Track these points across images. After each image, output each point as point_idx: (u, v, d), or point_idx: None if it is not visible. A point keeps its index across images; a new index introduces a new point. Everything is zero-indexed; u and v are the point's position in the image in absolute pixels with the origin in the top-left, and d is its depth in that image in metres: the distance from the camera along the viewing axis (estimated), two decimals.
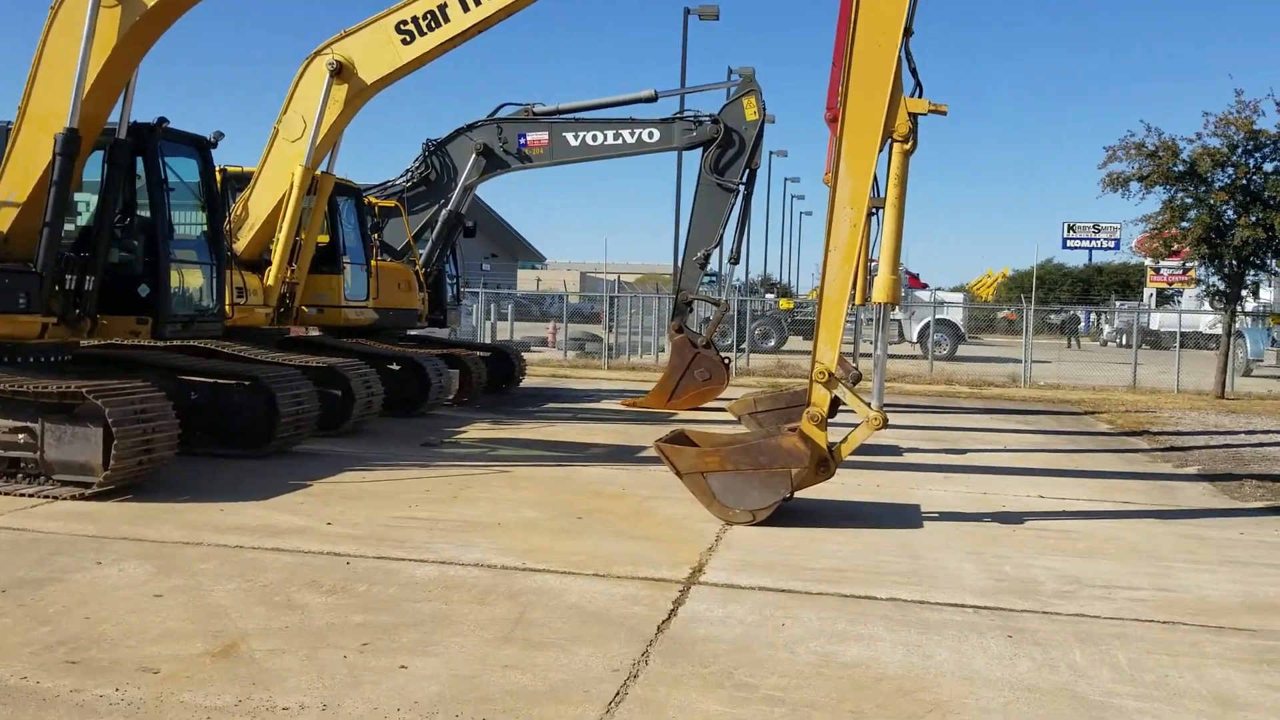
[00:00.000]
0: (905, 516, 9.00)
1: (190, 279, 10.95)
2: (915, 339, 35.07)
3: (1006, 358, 31.70)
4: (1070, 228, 75.83)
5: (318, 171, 14.02)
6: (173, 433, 8.80)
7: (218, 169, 14.55)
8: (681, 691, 4.69)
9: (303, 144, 13.48)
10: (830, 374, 8.59)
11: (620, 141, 17.13)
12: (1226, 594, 6.76)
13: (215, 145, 11.21)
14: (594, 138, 17.18)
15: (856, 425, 8.47)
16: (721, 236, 17.13)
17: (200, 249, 11.36)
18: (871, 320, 35.92)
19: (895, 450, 13.28)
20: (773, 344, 35.71)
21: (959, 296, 38.43)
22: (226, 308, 11.79)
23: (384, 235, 17.47)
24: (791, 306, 33.81)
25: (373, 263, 15.80)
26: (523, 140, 17.36)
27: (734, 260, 17.27)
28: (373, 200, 17.13)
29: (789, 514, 8.64)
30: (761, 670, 5.01)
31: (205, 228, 11.44)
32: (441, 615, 5.65)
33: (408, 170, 17.62)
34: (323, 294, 14.47)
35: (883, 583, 6.69)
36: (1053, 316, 59.36)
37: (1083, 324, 65.78)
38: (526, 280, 76.64)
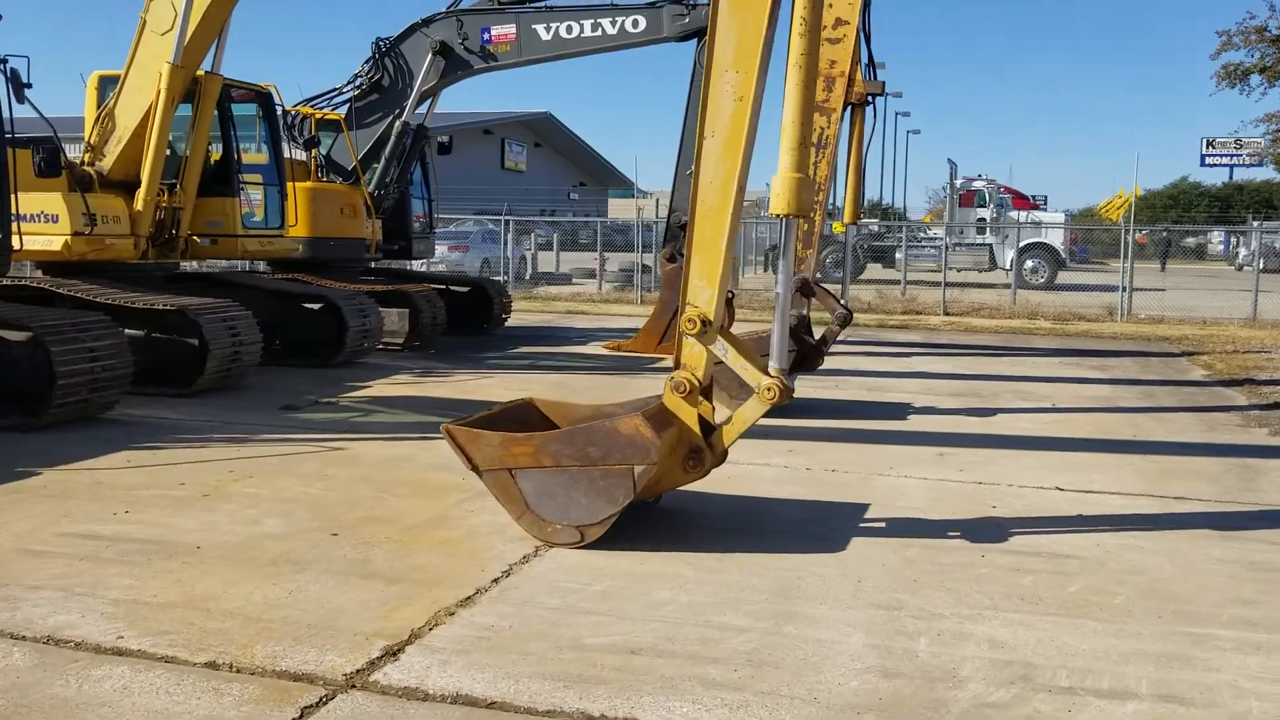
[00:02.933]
0: (830, 527, 6.22)
1: None
2: (1009, 265, 31.30)
3: (1115, 286, 27.87)
4: (1209, 144, 70.04)
5: (201, 71, 11.61)
6: None
7: (98, 74, 12.30)
8: None
9: (173, 36, 11.06)
10: (706, 321, 5.84)
11: (600, 33, 14.30)
12: None
13: None
14: (569, 29, 14.39)
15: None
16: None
17: None
18: (954, 245, 32.32)
19: (901, 411, 10.39)
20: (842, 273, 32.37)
21: (1059, 216, 34.22)
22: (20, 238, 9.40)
23: (332, 153, 15.05)
24: (843, 229, 30.30)
25: (294, 184, 13.39)
26: (486, 35, 14.66)
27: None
28: (308, 112, 14.67)
29: (657, 519, 6.02)
30: None
31: None
32: None
33: (356, 76, 15.09)
34: (217, 220, 12.10)
35: (680, 682, 4.00)
36: (1189, 239, 54.61)
37: (1221, 247, 60.06)
38: (620, 209, 73.54)
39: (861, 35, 10.04)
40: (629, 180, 75.81)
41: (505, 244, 25.98)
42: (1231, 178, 73.54)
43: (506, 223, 25.56)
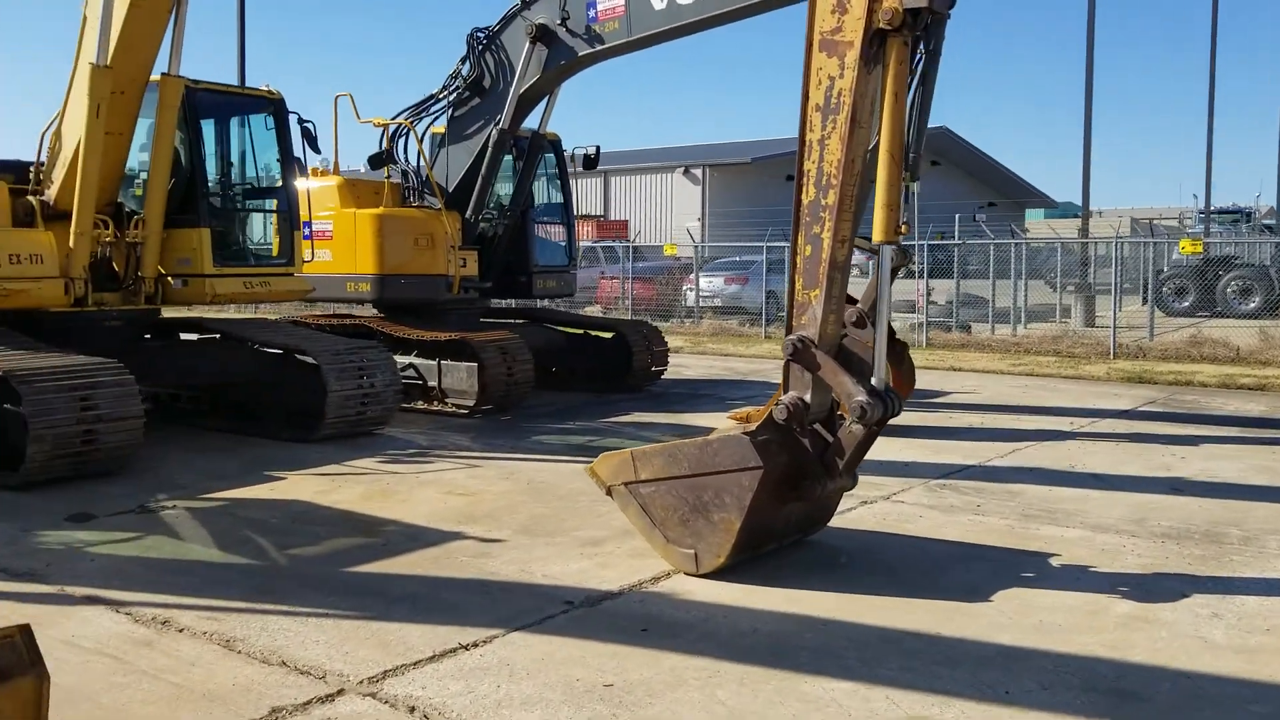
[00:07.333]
0: None
1: None
2: None
3: None
4: None
5: (157, 75, 9.42)
6: None
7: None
8: None
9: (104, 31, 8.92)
10: None
11: None
12: None
13: None
14: None
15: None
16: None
17: None
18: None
19: (1001, 578, 5.84)
20: (1254, 305, 25.11)
21: None
22: None
23: (436, 170, 12.42)
24: (1198, 249, 22.73)
25: (355, 212, 10.83)
26: (592, 12, 11.37)
27: (910, 175, 9.74)
28: (380, 123, 12.13)
29: None
30: None
31: None
32: None
33: (453, 77, 12.35)
34: (186, 257, 9.82)
35: None
36: None
37: None
38: (1043, 230, 65.37)
39: None
40: (1047, 197, 68.00)
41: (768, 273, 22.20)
42: None
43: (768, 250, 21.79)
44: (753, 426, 5.85)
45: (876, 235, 5.59)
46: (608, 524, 6.71)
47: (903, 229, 5.80)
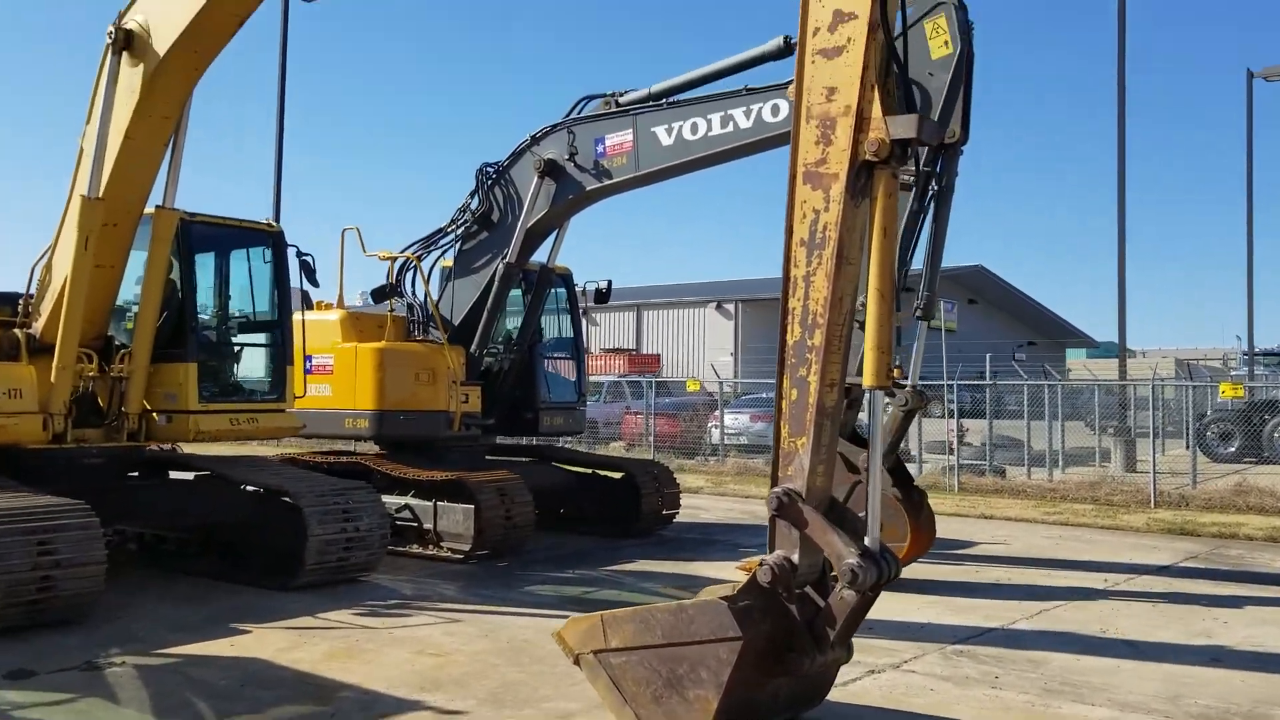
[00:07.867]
0: None
1: None
2: None
3: None
4: None
5: (152, 208, 9.27)
6: None
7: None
8: None
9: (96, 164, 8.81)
10: None
11: (730, 129, 10.39)
12: None
13: None
14: (693, 128, 10.63)
15: None
16: (904, 267, 9.39)
17: None
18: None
19: None
20: None
21: None
22: None
23: (441, 305, 12.15)
24: (1239, 392, 21.77)
25: (357, 346, 10.51)
26: (600, 147, 11.24)
27: (923, 314, 9.30)
28: (385, 256, 11.95)
29: None
30: None
31: None
32: None
33: (462, 209, 12.19)
34: (172, 392, 9.50)
35: None
36: None
37: None
38: (1081, 370, 64.08)
39: (892, 46, 5.37)
40: (1087, 336, 66.93)
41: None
42: None
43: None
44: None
45: (867, 379, 5.10)
46: (584, 693, 6.08)
47: (894, 372, 5.33)
